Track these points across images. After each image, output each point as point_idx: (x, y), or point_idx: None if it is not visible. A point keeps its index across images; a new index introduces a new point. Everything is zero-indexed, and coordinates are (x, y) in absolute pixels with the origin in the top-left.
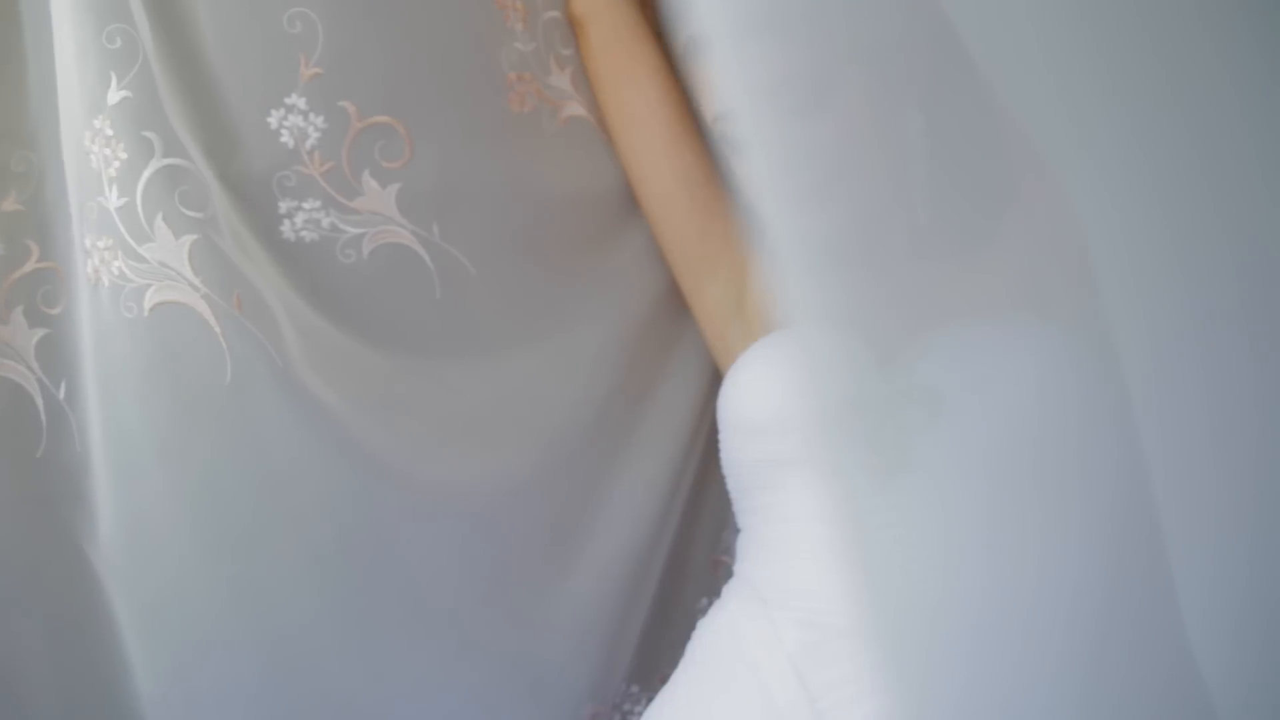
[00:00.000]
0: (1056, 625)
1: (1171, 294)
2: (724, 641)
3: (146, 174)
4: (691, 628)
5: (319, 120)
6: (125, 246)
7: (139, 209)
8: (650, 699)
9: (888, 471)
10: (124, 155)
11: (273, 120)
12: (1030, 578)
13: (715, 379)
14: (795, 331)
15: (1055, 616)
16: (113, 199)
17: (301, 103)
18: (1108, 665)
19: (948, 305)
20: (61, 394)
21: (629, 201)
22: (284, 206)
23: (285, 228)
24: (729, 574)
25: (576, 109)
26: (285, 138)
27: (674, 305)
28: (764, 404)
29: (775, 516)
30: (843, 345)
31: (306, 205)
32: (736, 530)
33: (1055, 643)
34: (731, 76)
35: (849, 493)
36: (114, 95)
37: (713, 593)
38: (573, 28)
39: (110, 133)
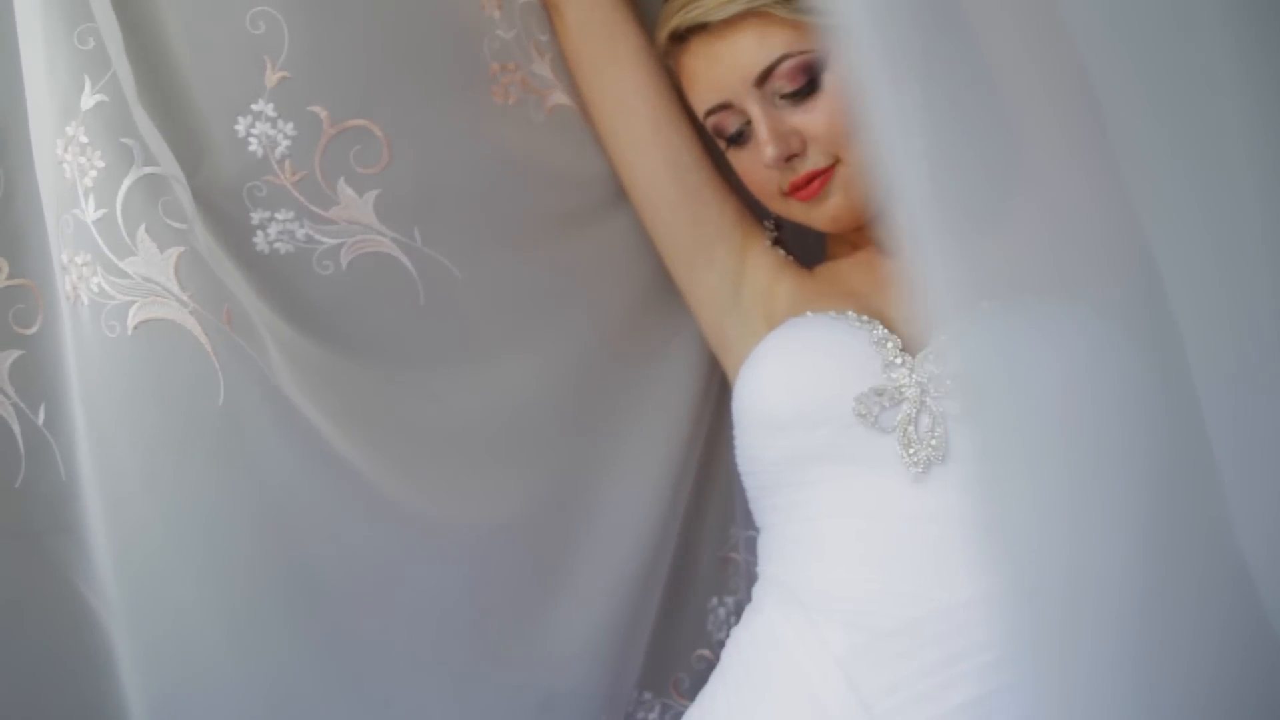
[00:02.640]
0: (1111, 609)
1: (1221, 271)
2: (764, 648)
3: (126, 183)
4: (702, 629)
5: (288, 127)
6: (105, 261)
7: (119, 221)
8: (664, 705)
9: (924, 465)
10: (101, 164)
11: (240, 128)
12: (1082, 562)
13: (713, 371)
14: (813, 320)
15: (1109, 601)
16: (89, 211)
17: (269, 109)
18: (1165, 650)
19: (974, 287)
20: (40, 419)
21: (616, 191)
22: (256, 218)
23: (258, 240)
24: (737, 571)
25: (561, 98)
26: (254, 146)
27: (667, 297)
28: (787, 399)
29: (802, 515)
30: (868, 334)
31: (279, 216)
32: (744, 526)
33: (1110, 623)
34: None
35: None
36: (88, 100)
37: (723, 592)
38: (547, 9)
39: (85, 140)
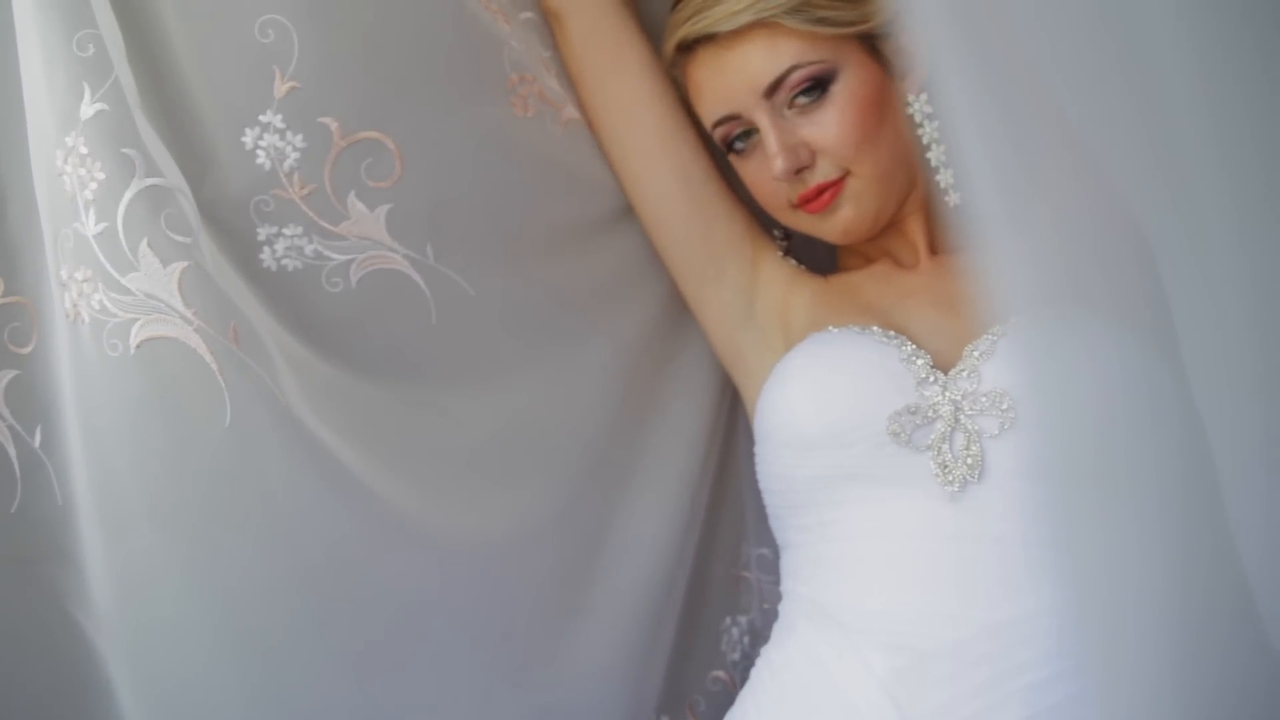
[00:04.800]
0: (1150, 626)
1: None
2: (801, 669)
3: (128, 196)
4: (716, 649)
5: (297, 139)
6: (106, 277)
7: (120, 235)
8: None
9: (959, 483)
10: (101, 175)
11: (248, 139)
12: (1122, 578)
13: (725, 387)
14: (838, 336)
15: (1148, 617)
16: (90, 224)
17: (278, 120)
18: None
19: (1001, 300)
20: (37, 441)
21: (627, 205)
22: (263, 233)
23: (265, 256)
24: (749, 590)
25: (574, 111)
26: (262, 158)
27: (679, 313)
28: (817, 417)
29: (833, 534)
30: (897, 350)
31: (287, 231)
32: (756, 544)
33: (1150, 639)
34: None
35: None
36: (88, 109)
37: (735, 611)
38: (550, 23)
39: (85, 150)
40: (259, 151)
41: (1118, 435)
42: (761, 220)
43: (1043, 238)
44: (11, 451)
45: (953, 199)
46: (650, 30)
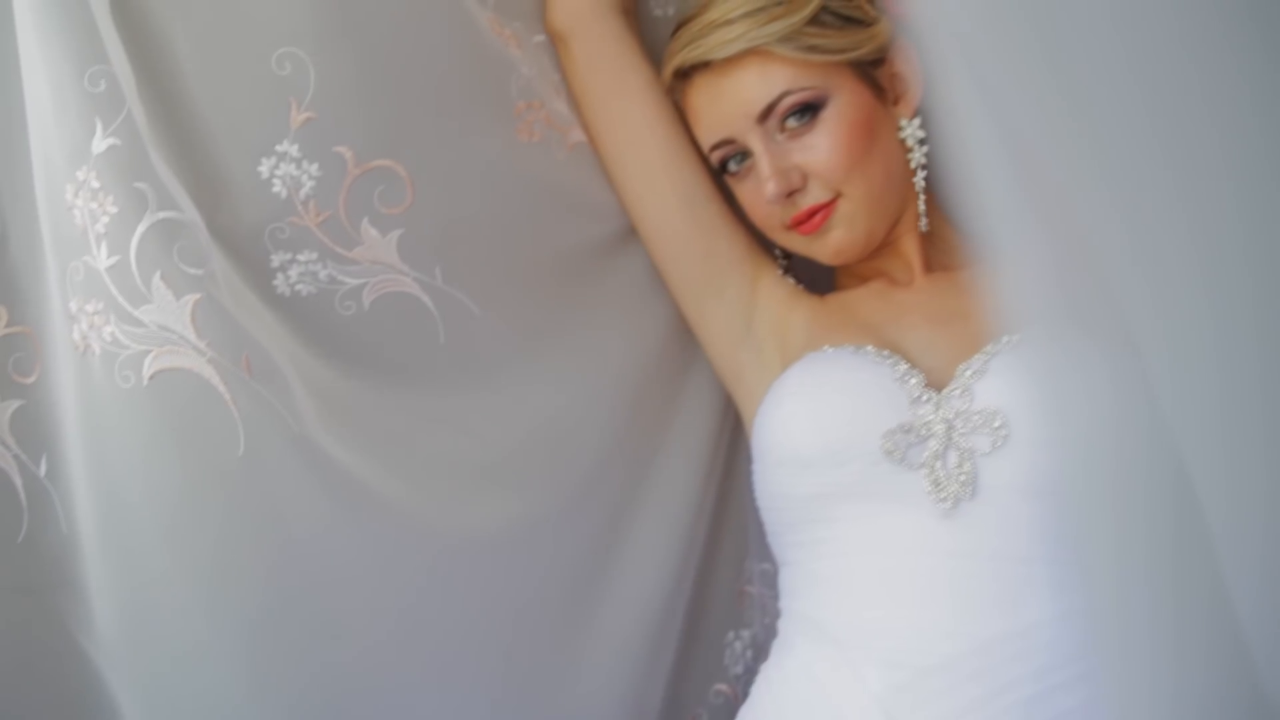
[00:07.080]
0: (1156, 642)
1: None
2: (797, 685)
3: (140, 229)
4: (719, 663)
5: (313, 168)
6: (118, 309)
7: (133, 268)
8: None
9: (952, 500)
10: (113, 209)
11: (264, 169)
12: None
13: (728, 404)
14: (834, 356)
15: (1155, 634)
16: (102, 258)
17: (294, 150)
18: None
19: (993, 318)
20: (43, 471)
21: (631, 227)
22: (277, 260)
23: (279, 282)
24: (752, 605)
25: (579, 135)
26: (278, 187)
27: (682, 332)
28: (814, 436)
29: (829, 551)
30: (890, 369)
31: (301, 257)
32: (759, 559)
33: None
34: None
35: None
36: (100, 144)
37: (739, 625)
38: (555, 44)
39: (96, 185)
40: (275, 180)
41: (1119, 451)
42: (761, 240)
43: (1043, 255)
44: (18, 481)
45: (923, 224)
46: (653, 53)
